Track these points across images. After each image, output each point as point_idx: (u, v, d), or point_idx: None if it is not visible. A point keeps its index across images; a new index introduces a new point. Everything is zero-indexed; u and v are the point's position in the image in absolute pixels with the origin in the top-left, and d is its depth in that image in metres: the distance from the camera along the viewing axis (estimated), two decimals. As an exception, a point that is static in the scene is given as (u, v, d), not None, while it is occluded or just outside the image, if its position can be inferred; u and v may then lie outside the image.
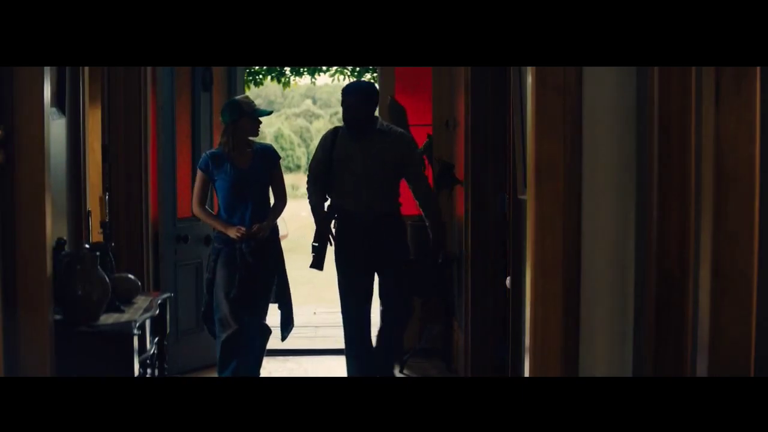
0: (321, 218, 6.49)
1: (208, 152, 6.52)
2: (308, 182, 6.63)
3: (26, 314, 3.65)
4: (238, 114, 6.30)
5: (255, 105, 6.36)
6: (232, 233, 6.24)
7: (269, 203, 6.52)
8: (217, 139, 6.54)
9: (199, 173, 6.44)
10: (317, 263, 6.51)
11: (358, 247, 6.39)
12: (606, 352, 3.64)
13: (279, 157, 6.60)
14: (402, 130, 6.62)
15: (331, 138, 6.51)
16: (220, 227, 6.34)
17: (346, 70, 12.65)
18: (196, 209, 6.45)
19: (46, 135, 3.69)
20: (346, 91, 6.37)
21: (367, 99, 6.33)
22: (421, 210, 6.51)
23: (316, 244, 6.49)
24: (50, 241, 3.80)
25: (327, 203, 6.53)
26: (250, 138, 6.44)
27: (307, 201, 6.57)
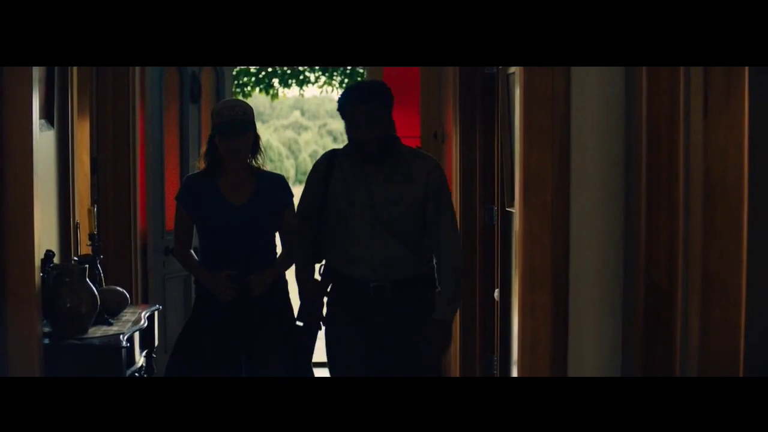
0: (309, 288, 4.50)
1: (189, 176, 5.02)
2: (296, 231, 4.60)
3: (15, 326, 3.64)
4: (212, 126, 4.74)
5: (231, 114, 4.61)
6: (220, 292, 4.59)
7: (273, 253, 4.82)
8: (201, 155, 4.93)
9: (177, 207, 4.84)
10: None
11: (366, 335, 4.38)
12: (595, 364, 3.64)
13: (292, 194, 4.79)
14: (427, 153, 4.81)
15: (325, 168, 4.42)
16: (204, 280, 4.69)
17: (334, 82, 12.65)
18: (177, 254, 4.89)
19: (34, 147, 3.68)
20: (350, 99, 4.31)
21: (381, 104, 4.29)
22: (436, 258, 4.44)
23: (300, 324, 4.60)
24: (39, 253, 3.79)
25: (319, 266, 4.54)
26: (254, 163, 4.73)
27: (295, 258, 4.60)
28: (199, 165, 4.84)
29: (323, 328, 4.52)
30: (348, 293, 4.38)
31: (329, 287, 4.48)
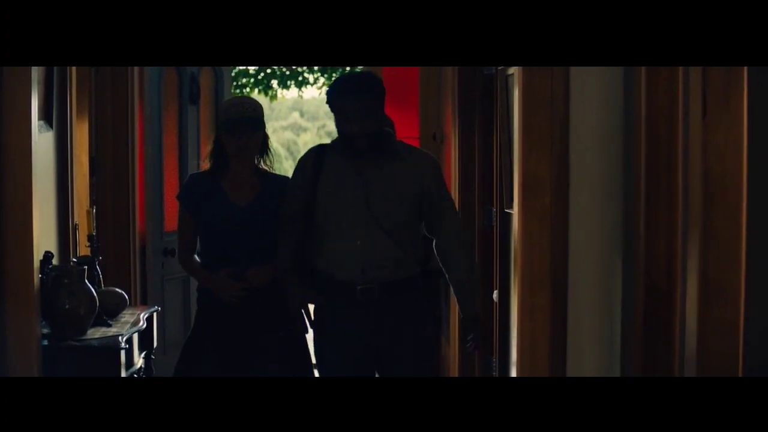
0: (294, 291, 4.28)
1: (192, 175, 4.89)
2: (279, 232, 4.37)
3: (13, 328, 3.64)
4: (219, 124, 4.64)
5: (240, 110, 4.45)
6: (222, 291, 4.46)
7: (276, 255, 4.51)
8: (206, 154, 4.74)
9: (179, 209, 4.66)
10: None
11: (356, 340, 4.17)
12: (594, 366, 3.64)
13: None
14: (424, 150, 4.72)
15: (313, 163, 4.22)
16: (206, 282, 4.56)
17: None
18: (181, 258, 4.69)
19: (33, 148, 3.68)
20: (340, 90, 4.09)
21: (373, 96, 4.09)
22: (441, 256, 4.29)
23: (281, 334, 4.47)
24: (37, 254, 3.79)
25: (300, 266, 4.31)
26: (262, 165, 4.60)
27: (278, 261, 4.37)
28: (202, 165, 4.68)
29: (309, 330, 4.37)
30: (334, 296, 4.17)
31: (316, 288, 4.25)
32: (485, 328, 5.05)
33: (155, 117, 6.94)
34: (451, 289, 4.37)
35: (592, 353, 3.65)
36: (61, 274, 4.34)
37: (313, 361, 4.52)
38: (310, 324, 4.34)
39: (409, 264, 4.20)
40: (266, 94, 14.10)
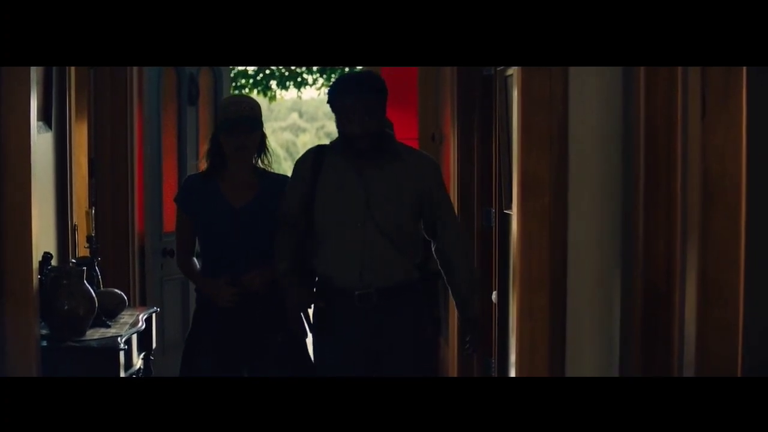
0: (293, 294, 4.20)
1: (189, 176, 4.88)
2: (277, 234, 4.28)
3: (12, 328, 3.63)
4: (217, 125, 4.58)
5: (238, 109, 4.38)
6: (219, 297, 4.41)
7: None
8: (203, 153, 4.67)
9: (177, 211, 4.62)
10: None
11: (355, 343, 4.12)
12: (593, 366, 3.64)
13: None
14: (424, 152, 4.68)
15: (312, 164, 4.16)
16: (203, 287, 4.53)
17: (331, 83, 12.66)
18: (179, 261, 4.68)
19: (32, 149, 3.67)
20: (341, 89, 4.04)
21: (375, 96, 4.03)
22: (441, 267, 4.25)
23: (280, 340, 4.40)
24: (36, 255, 3.78)
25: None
26: (260, 164, 4.53)
27: (276, 262, 4.27)
28: (200, 166, 4.62)
29: (309, 334, 4.27)
30: (333, 299, 4.12)
31: (315, 293, 4.21)
32: (484, 329, 5.06)
33: (154, 118, 6.94)
34: (450, 290, 4.33)
35: (592, 353, 3.65)
36: (60, 274, 4.34)
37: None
38: (309, 327, 4.24)
39: (408, 267, 4.14)
40: (265, 94, 14.10)
